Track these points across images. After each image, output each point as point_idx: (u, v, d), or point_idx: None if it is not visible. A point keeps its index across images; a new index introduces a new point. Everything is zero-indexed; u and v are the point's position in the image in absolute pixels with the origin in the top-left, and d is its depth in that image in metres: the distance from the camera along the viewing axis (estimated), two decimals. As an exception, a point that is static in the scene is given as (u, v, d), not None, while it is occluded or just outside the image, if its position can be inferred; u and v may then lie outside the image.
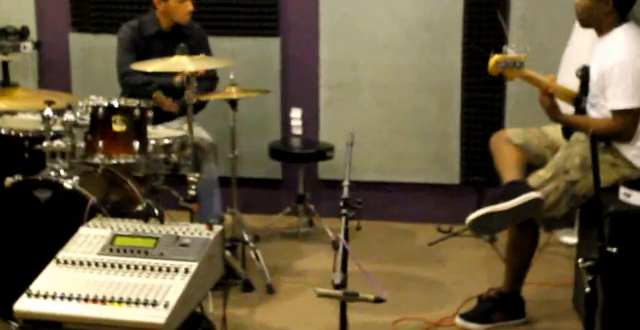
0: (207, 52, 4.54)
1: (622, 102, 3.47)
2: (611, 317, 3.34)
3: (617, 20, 3.57)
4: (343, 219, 2.74)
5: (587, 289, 2.52)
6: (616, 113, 3.49)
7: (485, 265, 4.48)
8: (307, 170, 5.02)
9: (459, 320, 3.80)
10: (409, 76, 4.98)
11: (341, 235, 2.65)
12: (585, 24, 3.67)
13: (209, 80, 4.50)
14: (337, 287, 2.50)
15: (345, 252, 2.63)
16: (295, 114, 5.15)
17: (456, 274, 4.38)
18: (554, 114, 3.58)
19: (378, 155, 5.11)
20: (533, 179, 3.64)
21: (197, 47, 4.32)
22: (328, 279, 2.55)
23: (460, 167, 5.04)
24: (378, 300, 2.55)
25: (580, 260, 2.55)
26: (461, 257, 4.64)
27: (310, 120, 5.15)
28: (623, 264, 3.26)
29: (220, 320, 3.43)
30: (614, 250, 2.53)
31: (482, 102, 4.96)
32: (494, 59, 3.52)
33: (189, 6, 4.40)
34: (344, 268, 2.63)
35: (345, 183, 2.90)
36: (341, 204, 2.78)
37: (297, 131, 5.17)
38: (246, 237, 4.33)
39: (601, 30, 3.61)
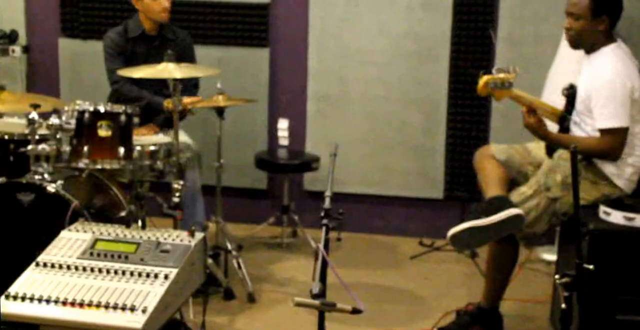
0: (192, 58, 4.57)
1: (610, 122, 3.49)
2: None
3: (605, 37, 3.60)
4: (323, 229, 2.75)
5: (563, 306, 2.54)
6: (604, 132, 3.51)
7: (465, 280, 4.50)
8: (292, 181, 5.04)
9: (437, 334, 3.83)
10: (395, 90, 5.01)
11: (320, 246, 2.66)
12: (577, 46, 3.67)
13: (191, 87, 4.53)
14: (314, 297, 2.51)
15: (324, 263, 2.64)
16: (282, 124, 5.16)
17: (436, 288, 4.39)
18: (540, 131, 3.58)
19: (363, 167, 5.13)
20: (515, 195, 3.66)
21: (182, 53, 4.33)
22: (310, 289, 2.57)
23: (444, 182, 5.06)
24: (355, 311, 2.55)
25: (557, 276, 2.57)
26: (442, 272, 4.65)
27: (297, 131, 5.17)
28: (600, 281, 3.31)
29: (200, 328, 3.43)
30: (591, 267, 2.55)
31: (468, 117, 4.99)
32: (483, 80, 3.53)
33: (164, 3, 4.42)
34: (322, 278, 2.64)
35: (327, 194, 2.91)
36: (322, 214, 2.79)
37: (284, 142, 5.18)
38: (229, 246, 4.34)
39: (591, 49, 3.64)
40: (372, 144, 5.10)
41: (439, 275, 4.59)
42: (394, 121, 5.05)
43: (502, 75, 3.55)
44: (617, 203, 3.50)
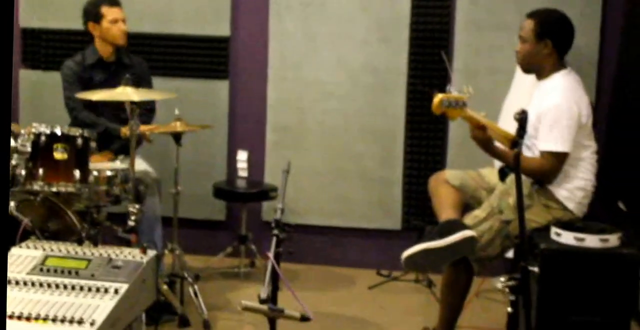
0: (149, 83, 4.63)
1: (553, 145, 3.57)
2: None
3: (556, 64, 3.69)
4: (274, 239, 2.76)
5: (509, 309, 2.57)
6: (545, 154, 3.59)
7: (422, 308, 4.49)
8: (250, 212, 5.03)
9: (392, 359, 3.82)
10: (353, 121, 5.06)
11: (270, 254, 2.67)
12: (526, 69, 3.79)
13: (146, 113, 4.56)
14: (262, 301, 2.52)
15: (274, 271, 2.65)
16: (242, 156, 5.19)
17: (393, 317, 4.38)
18: (487, 146, 3.60)
19: (321, 199, 5.15)
20: (468, 219, 3.70)
21: (139, 79, 4.36)
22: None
23: (402, 213, 5.09)
24: (304, 319, 2.56)
25: (502, 279, 2.60)
26: (399, 301, 4.64)
27: (256, 162, 5.19)
28: (551, 301, 3.35)
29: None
30: (536, 269, 2.59)
31: (425, 148, 5.04)
32: (438, 97, 3.54)
33: (122, 27, 4.50)
34: (272, 285, 2.65)
35: (279, 206, 2.94)
36: (272, 224, 2.81)
37: (243, 173, 5.20)
38: (186, 275, 4.31)
39: (541, 74, 3.73)
40: (330, 175, 5.12)
41: (395, 304, 4.58)
42: (351, 152, 5.09)
43: (455, 94, 3.59)
44: (568, 225, 3.56)
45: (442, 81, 4.88)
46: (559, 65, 3.72)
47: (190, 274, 4.35)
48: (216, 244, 5.13)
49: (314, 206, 5.15)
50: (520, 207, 2.61)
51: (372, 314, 4.42)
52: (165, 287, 4.11)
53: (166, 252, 4.41)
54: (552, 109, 3.59)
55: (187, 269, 4.44)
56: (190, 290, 4.26)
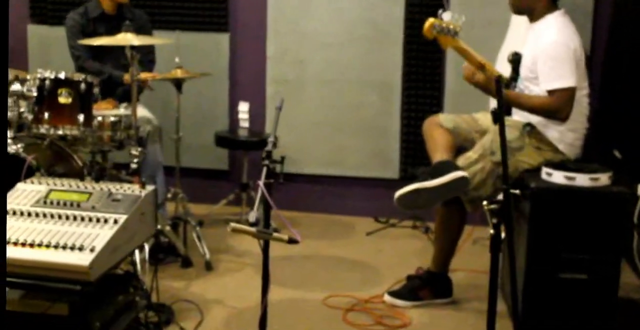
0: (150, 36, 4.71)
1: (557, 82, 3.59)
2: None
3: (549, 5, 3.75)
4: (264, 169, 2.85)
5: (492, 231, 2.66)
6: (552, 92, 3.61)
7: (418, 253, 4.61)
8: (252, 161, 5.13)
9: (387, 297, 3.91)
10: (351, 73, 5.15)
11: (261, 183, 2.76)
12: (518, 10, 3.82)
13: (147, 63, 4.67)
14: (251, 225, 2.63)
15: (263, 197, 2.75)
16: (243, 107, 5.29)
17: (390, 259, 4.51)
18: (491, 86, 3.48)
19: (320, 149, 5.26)
20: (461, 160, 3.77)
21: (139, 31, 4.46)
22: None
23: (399, 162, 5.19)
24: (292, 241, 2.66)
25: (485, 203, 2.68)
26: (396, 246, 4.77)
27: (257, 113, 5.29)
28: (542, 239, 3.43)
29: (152, 282, 3.50)
30: (517, 191, 2.66)
31: (422, 98, 5.13)
32: (429, 21, 3.47)
33: None
34: (265, 210, 2.76)
35: (271, 139, 3.04)
36: (263, 155, 2.91)
37: (244, 124, 5.30)
38: (189, 219, 4.44)
39: (534, 16, 3.77)
40: (329, 125, 5.23)
41: (392, 248, 4.71)
42: (350, 103, 5.19)
43: (448, 21, 3.57)
44: (559, 165, 3.61)
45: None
46: (552, 6, 3.76)
47: (193, 219, 4.48)
48: (219, 192, 5.25)
49: (313, 156, 5.26)
50: (502, 140, 2.70)
51: (369, 256, 4.55)
52: (168, 228, 4.25)
53: (169, 196, 4.54)
54: (549, 47, 3.62)
55: (191, 214, 4.56)
56: (194, 234, 4.39)
